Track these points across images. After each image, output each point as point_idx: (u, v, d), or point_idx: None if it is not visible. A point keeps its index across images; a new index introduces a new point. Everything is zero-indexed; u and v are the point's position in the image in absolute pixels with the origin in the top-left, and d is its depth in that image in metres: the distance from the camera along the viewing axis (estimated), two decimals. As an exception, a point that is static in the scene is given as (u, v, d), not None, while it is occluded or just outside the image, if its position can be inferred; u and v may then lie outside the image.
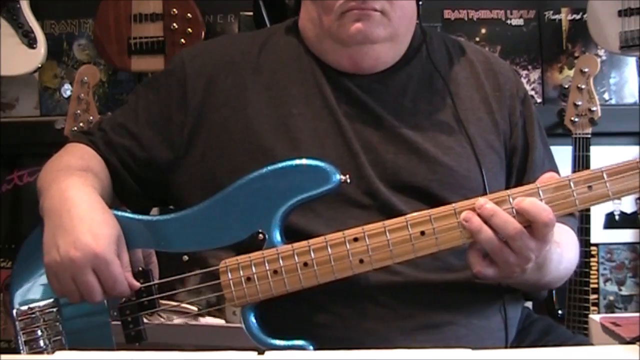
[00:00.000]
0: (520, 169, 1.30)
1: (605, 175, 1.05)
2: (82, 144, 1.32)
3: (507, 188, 1.13)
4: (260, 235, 1.12)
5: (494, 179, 1.25)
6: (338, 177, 1.11)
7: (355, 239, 1.09)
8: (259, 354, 0.89)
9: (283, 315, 1.13)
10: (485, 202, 1.05)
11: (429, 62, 1.30)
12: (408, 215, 1.08)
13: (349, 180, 1.12)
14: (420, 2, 1.30)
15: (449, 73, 1.31)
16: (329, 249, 1.09)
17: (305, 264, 1.10)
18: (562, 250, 1.18)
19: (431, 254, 1.09)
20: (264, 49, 1.32)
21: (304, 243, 1.10)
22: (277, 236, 1.12)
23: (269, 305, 1.12)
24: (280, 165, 1.13)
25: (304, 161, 1.12)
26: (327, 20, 1.24)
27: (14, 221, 2.68)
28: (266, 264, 1.11)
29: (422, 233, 1.08)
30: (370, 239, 1.08)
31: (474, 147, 1.24)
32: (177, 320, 1.28)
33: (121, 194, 1.31)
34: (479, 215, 1.05)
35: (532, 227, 1.05)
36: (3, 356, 0.95)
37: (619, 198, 1.07)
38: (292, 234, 1.13)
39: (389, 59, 1.28)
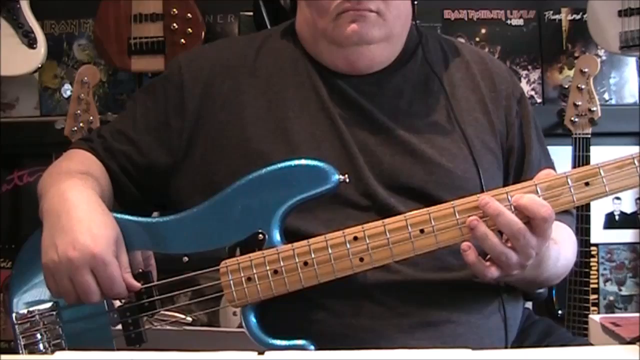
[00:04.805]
0: (517, 169, 1.30)
1: (602, 171, 1.06)
2: (82, 150, 1.32)
3: (504, 187, 1.13)
4: (260, 235, 1.12)
5: (491, 179, 1.25)
6: (337, 176, 1.11)
7: (355, 238, 1.09)
8: (259, 354, 0.89)
9: (280, 313, 1.13)
10: (490, 200, 1.06)
11: (425, 64, 1.30)
12: (407, 214, 1.09)
13: (347, 180, 1.12)
14: (416, 2, 1.30)
15: (445, 74, 1.31)
16: (329, 249, 1.09)
17: (306, 264, 1.10)
18: (560, 248, 1.18)
19: (431, 252, 1.09)
20: (261, 52, 1.33)
21: (304, 242, 1.10)
22: (277, 236, 1.12)
23: (266, 302, 1.12)
24: (279, 165, 1.13)
25: (303, 161, 1.13)
26: (323, 21, 1.25)
27: (14, 221, 2.68)
28: (266, 264, 1.11)
29: (422, 231, 1.08)
30: (370, 238, 1.09)
31: (470, 148, 1.24)
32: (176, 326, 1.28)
33: (121, 199, 1.31)
34: (483, 212, 1.06)
35: (532, 223, 1.05)
36: (3, 356, 0.95)
37: (615, 193, 1.07)
38: (291, 236, 1.13)
39: (385, 59, 1.29)
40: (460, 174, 1.23)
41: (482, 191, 1.13)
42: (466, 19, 2.62)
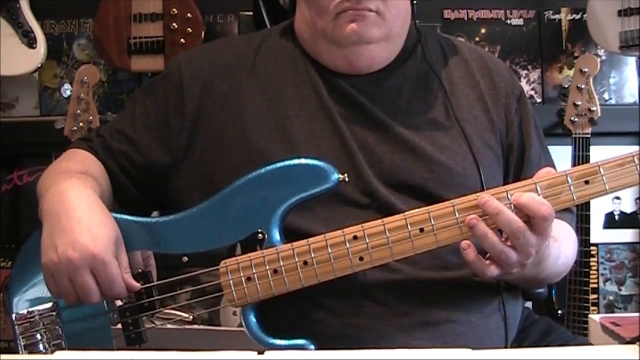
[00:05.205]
0: (517, 167, 1.31)
1: (602, 170, 1.06)
2: (82, 150, 1.32)
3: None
4: (260, 235, 1.12)
5: (491, 176, 1.25)
6: (337, 176, 1.11)
7: (355, 237, 1.09)
8: (259, 354, 0.89)
9: (280, 313, 1.13)
10: (489, 199, 1.06)
11: (424, 62, 1.31)
12: (407, 213, 1.09)
13: (347, 179, 1.12)
14: (415, 2, 1.30)
15: (445, 72, 1.31)
16: (329, 248, 1.09)
17: (306, 263, 1.10)
18: (560, 246, 1.18)
19: (431, 251, 1.09)
20: (260, 51, 1.33)
21: (303, 242, 1.10)
22: (277, 236, 1.12)
23: (266, 302, 1.12)
24: (278, 165, 1.13)
25: (303, 161, 1.13)
26: (322, 21, 1.25)
27: (14, 221, 2.68)
28: (266, 264, 1.11)
29: (422, 230, 1.08)
30: (369, 237, 1.09)
31: (470, 146, 1.24)
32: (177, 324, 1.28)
33: (121, 199, 1.31)
34: (483, 211, 1.06)
35: (532, 222, 1.05)
36: (3, 356, 0.95)
37: (616, 192, 1.07)
38: (291, 235, 1.13)
39: (384, 59, 1.29)
40: (460, 172, 1.23)
41: (483, 189, 1.13)
42: (466, 19, 2.62)
